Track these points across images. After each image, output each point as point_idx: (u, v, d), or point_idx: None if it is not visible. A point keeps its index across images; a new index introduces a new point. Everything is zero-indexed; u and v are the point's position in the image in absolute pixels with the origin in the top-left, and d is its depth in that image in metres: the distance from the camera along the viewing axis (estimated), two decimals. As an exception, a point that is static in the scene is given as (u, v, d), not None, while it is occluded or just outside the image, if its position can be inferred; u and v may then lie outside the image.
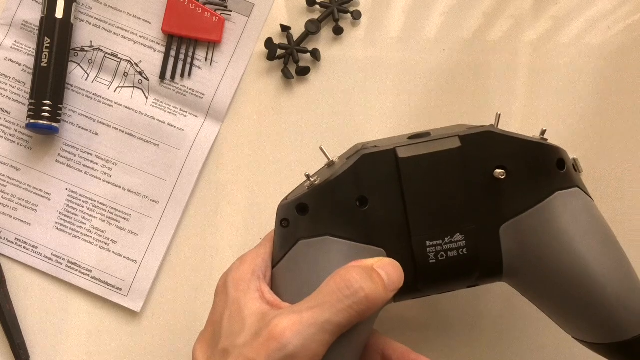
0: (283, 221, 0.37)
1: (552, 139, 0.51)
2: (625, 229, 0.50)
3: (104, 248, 0.49)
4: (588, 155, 0.51)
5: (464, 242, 0.37)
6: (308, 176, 0.38)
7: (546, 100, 0.51)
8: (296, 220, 0.37)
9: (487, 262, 0.38)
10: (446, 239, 0.37)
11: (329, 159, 0.39)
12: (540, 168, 0.38)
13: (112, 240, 0.49)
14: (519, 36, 0.52)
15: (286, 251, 0.37)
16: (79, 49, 0.50)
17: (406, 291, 0.36)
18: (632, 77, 0.52)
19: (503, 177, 0.37)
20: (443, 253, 0.37)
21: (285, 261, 0.37)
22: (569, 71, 0.52)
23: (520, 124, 0.51)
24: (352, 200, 0.37)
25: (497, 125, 0.39)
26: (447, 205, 0.37)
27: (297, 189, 0.39)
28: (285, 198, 0.39)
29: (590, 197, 0.39)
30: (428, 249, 0.37)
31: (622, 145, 0.51)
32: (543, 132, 0.39)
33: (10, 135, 0.50)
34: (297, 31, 0.51)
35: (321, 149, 0.39)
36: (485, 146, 0.37)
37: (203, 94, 0.51)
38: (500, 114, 0.39)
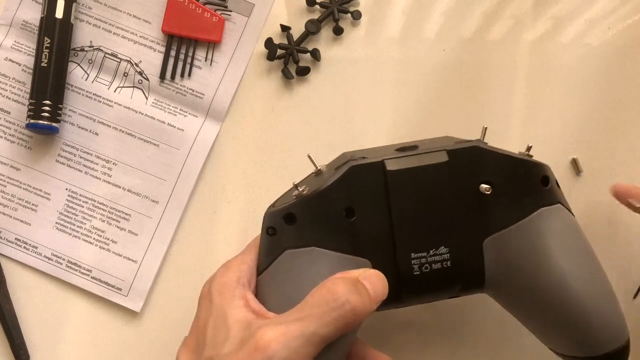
0: (269, 229, 0.38)
1: (551, 139, 0.51)
2: (626, 228, 0.50)
3: (104, 248, 0.49)
4: (588, 155, 0.51)
5: (448, 254, 0.37)
6: (296, 185, 0.38)
7: (546, 100, 0.51)
8: (283, 230, 0.37)
9: (469, 274, 0.38)
10: (431, 251, 0.37)
11: (316, 167, 0.40)
12: (525, 184, 0.38)
13: (112, 240, 0.49)
14: (519, 36, 0.52)
15: (272, 260, 0.37)
16: (79, 49, 0.50)
17: (389, 301, 0.36)
18: (632, 77, 0.52)
19: (488, 192, 0.37)
20: (427, 265, 0.37)
21: (270, 270, 0.37)
22: (569, 71, 0.52)
23: (520, 123, 0.51)
24: (340, 211, 0.37)
25: (484, 139, 0.40)
26: (433, 218, 0.37)
27: (284, 197, 0.39)
28: (272, 205, 0.39)
29: (572, 214, 0.40)
30: (412, 261, 0.37)
31: (622, 145, 0.51)
32: (529, 149, 0.40)
33: (10, 135, 0.50)
34: (297, 31, 0.51)
35: (309, 157, 0.40)
36: (472, 161, 0.38)
37: (203, 94, 0.51)
38: (486, 127, 0.40)
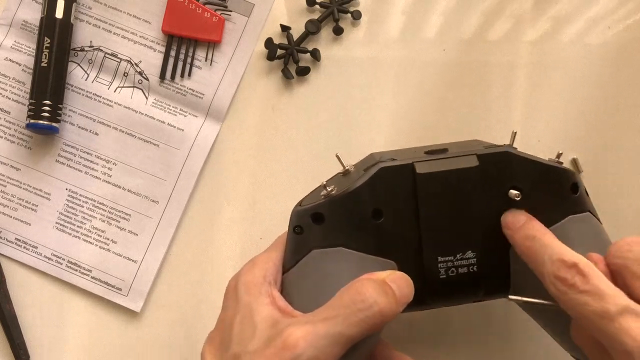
0: (297, 227, 0.38)
1: (552, 139, 0.51)
2: (627, 228, 0.50)
3: (104, 248, 0.49)
4: (588, 155, 0.51)
5: (474, 259, 0.37)
6: (324, 185, 0.38)
7: (546, 100, 0.51)
8: (310, 229, 0.37)
9: (495, 280, 0.38)
10: (458, 255, 0.37)
11: (344, 167, 0.40)
12: (554, 191, 0.38)
13: (112, 240, 0.49)
14: (519, 36, 0.52)
15: (298, 259, 0.37)
16: (79, 49, 0.50)
17: (414, 304, 0.36)
18: (632, 77, 0.52)
19: (518, 198, 0.37)
20: (454, 269, 0.37)
21: (297, 269, 0.37)
22: (569, 71, 0.52)
23: (520, 123, 0.51)
24: (367, 213, 0.37)
25: (513, 143, 0.40)
26: (461, 222, 0.37)
27: (311, 196, 0.39)
28: (299, 204, 0.39)
29: (600, 222, 0.40)
30: (439, 265, 0.37)
31: (622, 145, 0.51)
32: (559, 155, 0.39)
33: (10, 135, 0.50)
34: (297, 31, 0.51)
35: (337, 157, 0.39)
36: (502, 167, 0.38)
37: (203, 94, 0.51)
38: (515, 132, 0.40)
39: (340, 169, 0.40)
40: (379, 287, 0.34)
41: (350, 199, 0.37)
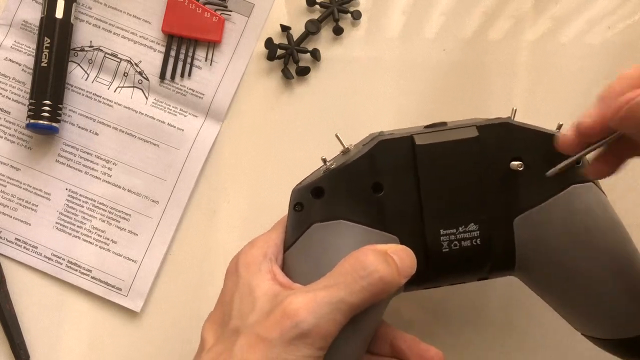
0: (297, 205, 0.37)
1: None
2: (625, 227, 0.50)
3: (104, 248, 0.49)
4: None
5: (477, 232, 0.37)
6: (324, 160, 0.38)
7: (546, 100, 0.51)
8: (310, 204, 0.37)
9: (500, 253, 0.37)
10: (460, 228, 0.37)
11: (344, 146, 0.39)
12: (556, 161, 0.37)
13: (112, 240, 0.49)
14: (519, 36, 0.52)
15: (299, 234, 0.37)
16: (79, 49, 0.50)
17: (418, 280, 0.36)
18: (632, 77, 0.52)
19: (520, 168, 0.37)
20: (456, 242, 0.37)
21: (298, 244, 0.37)
22: (569, 71, 0.52)
23: (520, 124, 0.51)
24: (367, 186, 0.37)
25: (514, 119, 0.39)
26: (462, 194, 0.37)
27: (312, 175, 0.39)
28: (300, 183, 0.38)
29: (604, 193, 0.39)
30: (442, 238, 0.37)
31: (622, 145, 0.51)
32: (559, 127, 0.39)
33: (10, 135, 0.50)
34: (297, 31, 0.51)
35: (337, 137, 0.39)
36: (503, 137, 0.37)
37: (203, 94, 0.51)
38: (516, 109, 0.39)
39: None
40: (380, 256, 0.34)
41: (350, 172, 0.36)
